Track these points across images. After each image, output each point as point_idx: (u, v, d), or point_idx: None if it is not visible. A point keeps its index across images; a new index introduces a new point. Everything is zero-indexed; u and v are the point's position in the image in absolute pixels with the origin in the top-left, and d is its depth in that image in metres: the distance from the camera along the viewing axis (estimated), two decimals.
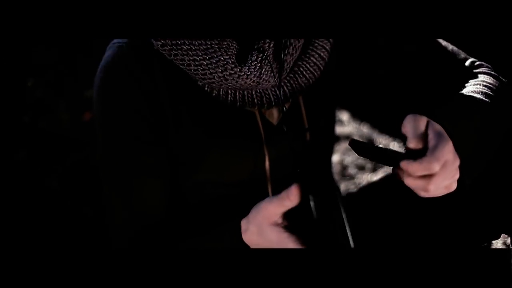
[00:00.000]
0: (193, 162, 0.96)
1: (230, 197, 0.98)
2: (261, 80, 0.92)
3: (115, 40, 0.93)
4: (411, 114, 0.75)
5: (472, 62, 0.98)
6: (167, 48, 0.89)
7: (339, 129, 2.36)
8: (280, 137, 0.97)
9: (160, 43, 0.89)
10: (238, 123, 0.96)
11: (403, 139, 0.80)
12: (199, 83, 0.93)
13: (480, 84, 0.90)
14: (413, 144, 0.74)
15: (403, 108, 0.93)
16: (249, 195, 0.93)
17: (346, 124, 2.33)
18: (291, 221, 0.79)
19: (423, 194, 0.76)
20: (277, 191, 0.80)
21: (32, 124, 1.91)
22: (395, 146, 2.26)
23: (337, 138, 2.29)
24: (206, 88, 0.93)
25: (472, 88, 0.88)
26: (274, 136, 0.97)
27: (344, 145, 2.22)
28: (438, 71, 0.98)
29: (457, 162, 0.75)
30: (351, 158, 2.10)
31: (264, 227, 0.79)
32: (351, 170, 2.04)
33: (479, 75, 0.94)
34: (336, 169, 2.08)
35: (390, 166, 0.75)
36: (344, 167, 2.06)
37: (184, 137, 0.94)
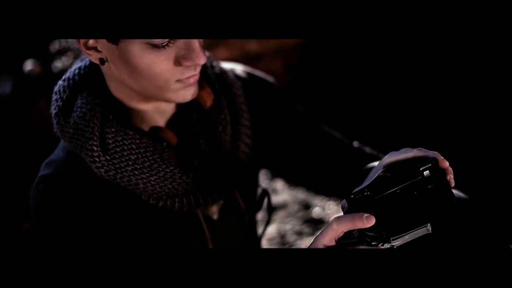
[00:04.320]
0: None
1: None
2: (208, 181, 0.94)
3: (41, 173, 0.91)
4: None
5: (356, 144, 1.14)
6: (111, 174, 0.88)
7: (274, 198, 2.17)
8: (222, 231, 1.01)
9: (103, 170, 0.87)
10: (182, 225, 0.97)
11: (340, 197, 1.00)
12: (143, 197, 0.92)
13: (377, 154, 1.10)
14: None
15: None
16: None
17: (280, 192, 2.12)
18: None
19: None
20: None
21: None
22: (330, 206, 2.21)
23: (274, 208, 2.21)
24: (151, 201, 0.92)
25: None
26: (216, 231, 1.00)
27: (281, 214, 2.23)
28: (339, 150, 1.11)
29: None
30: (289, 226, 2.22)
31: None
32: (290, 238, 2.17)
33: (369, 150, 1.12)
34: (274, 238, 2.30)
35: None
36: (282, 236, 2.20)
37: (132, 240, 0.94)
